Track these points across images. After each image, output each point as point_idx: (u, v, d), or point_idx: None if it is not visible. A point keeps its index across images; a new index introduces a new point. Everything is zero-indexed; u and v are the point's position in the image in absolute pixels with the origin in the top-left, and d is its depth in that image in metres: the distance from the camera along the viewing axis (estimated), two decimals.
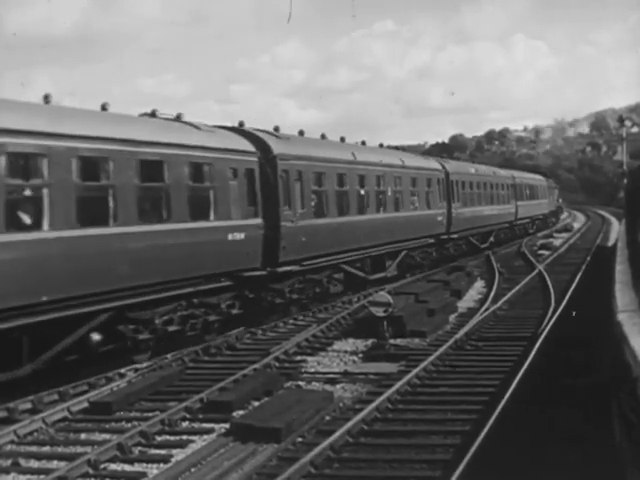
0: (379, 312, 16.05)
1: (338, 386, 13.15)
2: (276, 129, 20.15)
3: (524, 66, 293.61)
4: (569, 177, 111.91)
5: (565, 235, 52.49)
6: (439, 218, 30.24)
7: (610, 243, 37.60)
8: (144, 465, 9.54)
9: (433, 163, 31.92)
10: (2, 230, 11.34)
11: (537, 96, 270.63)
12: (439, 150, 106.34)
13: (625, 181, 36.43)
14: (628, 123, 55.53)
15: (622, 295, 11.07)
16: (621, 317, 9.08)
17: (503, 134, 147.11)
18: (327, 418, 11.09)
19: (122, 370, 14.08)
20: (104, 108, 14.87)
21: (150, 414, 11.52)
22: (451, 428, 10.45)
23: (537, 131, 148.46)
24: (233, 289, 17.02)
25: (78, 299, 12.66)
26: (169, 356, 15.21)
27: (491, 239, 39.15)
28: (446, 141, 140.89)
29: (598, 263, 28.19)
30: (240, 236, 16.94)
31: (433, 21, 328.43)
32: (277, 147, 18.81)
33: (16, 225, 11.88)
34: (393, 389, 11.99)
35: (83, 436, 10.86)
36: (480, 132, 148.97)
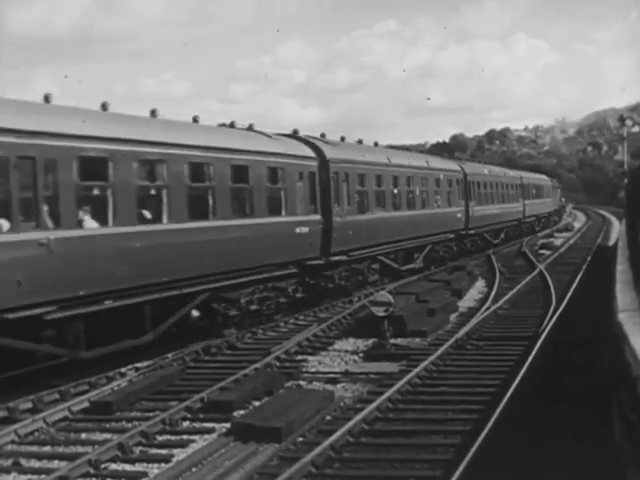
0: (380, 312, 16.06)
1: (339, 386, 13.15)
2: (322, 135, 23.07)
3: (525, 65, 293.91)
4: (570, 177, 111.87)
5: (566, 235, 52.52)
6: (458, 215, 33.18)
7: (611, 243, 37.61)
8: (145, 465, 9.54)
9: (453, 165, 35.05)
10: (136, 222, 14.11)
11: (538, 95, 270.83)
12: (440, 150, 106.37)
13: (626, 181, 36.41)
14: (629, 123, 55.47)
15: (623, 295, 11.07)
16: (622, 317, 9.08)
17: (504, 134, 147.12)
18: (328, 418, 11.09)
19: (122, 369, 14.09)
20: (195, 120, 17.92)
21: (151, 414, 11.53)
22: (452, 428, 10.45)
23: (538, 130, 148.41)
24: (297, 276, 19.69)
25: (185, 280, 15.21)
26: (170, 356, 15.23)
27: (502, 235, 41.78)
28: (447, 141, 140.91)
29: (599, 263, 28.19)
30: (305, 230, 19.84)
31: (434, 21, 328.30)
32: (329, 152, 21.69)
33: (142, 219, 14.52)
34: (394, 389, 11.99)
35: (84, 436, 10.86)
36: (481, 132, 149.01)
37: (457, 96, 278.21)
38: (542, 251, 38.95)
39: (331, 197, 21.15)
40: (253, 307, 17.76)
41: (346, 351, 16.00)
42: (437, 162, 33.28)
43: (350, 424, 10.22)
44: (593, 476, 8.13)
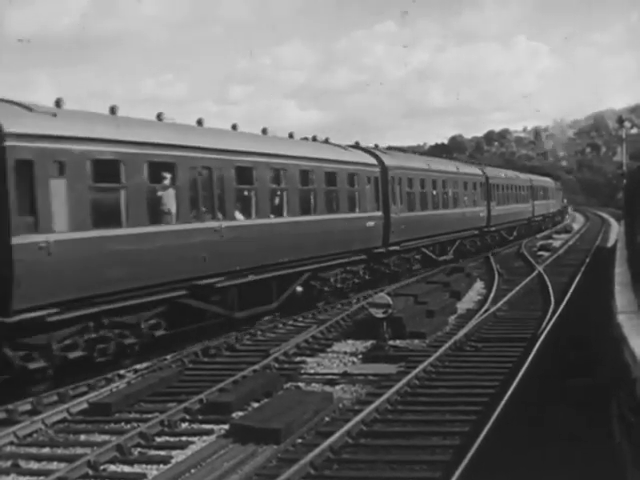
0: (378, 313, 16.05)
1: (338, 387, 13.15)
2: (376, 146, 27.44)
3: (525, 67, 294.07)
4: (568, 178, 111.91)
5: (564, 236, 52.55)
6: (482, 214, 37.83)
7: (609, 244, 37.62)
8: (144, 466, 9.54)
9: (477, 169, 39.64)
10: (269, 216, 18.64)
11: (537, 97, 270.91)
12: (439, 151, 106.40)
13: (624, 182, 36.46)
14: (627, 124, 55.45)
15: (621, 296, 11.07)
16: (620, 318, 9.08)
17: (503, 135, 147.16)
18: (326, 419, 11.09)
19: (121, 371, 14.09)
20: (291, 136, 22.56)
21: (150, 415, 11.52)
22: (450, 429, 10.46)
23: (537, 132, 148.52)
24: (365, 261, 23.94)
25: (297, 262, 19.51)
26: (168, 357, 15.22)
27: (515, 233, 45.64)
28: (446, 142, 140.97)
29: (597, 264, 28.20)
30: (372, 224, 24.29)
31: (434, 22, 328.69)
32: (387, 160, 26.20)
33: (273, 213, 18.86)
34: (392, 390, 11.99)
35: (83, 437, 10.86)
36: (480, 133, 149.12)
37: (456, 97, 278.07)
38: (541, 252, 38.97)
39: (389, 197, 25.59)
40: (339, 285, 22.14)
41: (345, 353, 16.00)
42: (465, 167, 38.04)
43: (349, 425, 10.23)
44: (592, 477, 8.14)
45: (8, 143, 11.66)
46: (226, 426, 10.78)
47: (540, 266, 30.48)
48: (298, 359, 15.52)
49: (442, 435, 10.25)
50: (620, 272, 14.59)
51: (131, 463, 9.65)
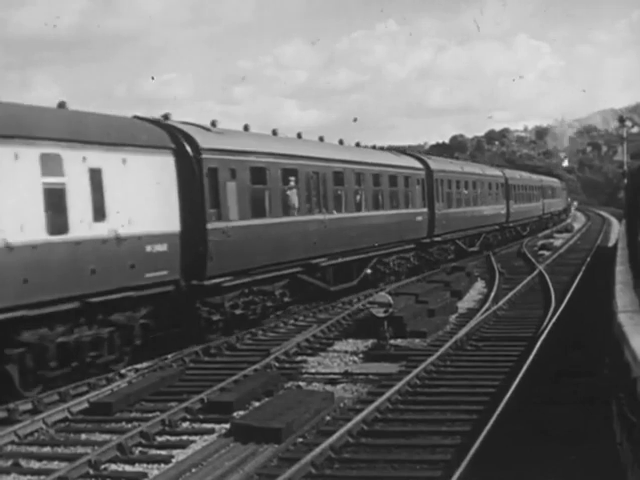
0: (379, 312, 16.06)
1: (339, 386, 13.15)
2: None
3: (526, 66, 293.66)
4: (569, 177, 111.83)
5: (565, 235, 52.55)
6: (502, 211, 42.07)
7: (610, 243, 37.62)
8: (145, 465, 9.54)
9: (497, 171, 44.39)
10: (354, 210, 23.15)
11: (538, 96, 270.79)
12: (440, 150, 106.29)
13: (625, 181, 36.44)
14: (628, 123, 55.43)
15: (622, 295, 11.08)
16: (621, 317, 9.09)
17: (503, 134, 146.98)
18: (327, 418, 11.09)
19: (122, 370, 14.09)
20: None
21: (150, 414, 11.53)
22: (451, 428, 10.45)
23: (537, 131, 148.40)
24: (414, 250, 28.34)
25: (368, 248, 23.90)
26: (169, 356, 15.23)
27: (528, 229, 49.97)
28: (447, 141, 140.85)
29: (598, 264, 28.19)
30: (420, 218, 28.85)
31: (435, 21, 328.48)
32: (432, 164, 30.97)
33: (340, 209, 22.39)
34: (393, 389, 11.99)
35: (83, 436, 10.87)
36: (481, 132, 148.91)
37: (457, 97, 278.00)
38: (542, 252, 38.97)
39: (434, 196, 30.06)
40: (396, 269, 26.53)
41: (346, 352, 16.00)
42: (488, 169, 42.97)
43: (350, 425, 10.22)
44: (593, 477, 8.13)
45: (203, 156, 15.91)
46: (227, 425, 10.78)
47: (541, 265, 30.47)
48: (299, 358, 15.52)
49: (443, 434, 10.24)
50: (621, 271, 14.60)
51: (132, 462, 9.65)
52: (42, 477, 9.09)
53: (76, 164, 13.11)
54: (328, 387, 13.11)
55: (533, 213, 51.77)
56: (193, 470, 9.25)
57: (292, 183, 19.55)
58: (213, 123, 17.85)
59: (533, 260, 33.27)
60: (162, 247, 14.81)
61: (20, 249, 11.78)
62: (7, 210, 11.70)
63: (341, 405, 11.81)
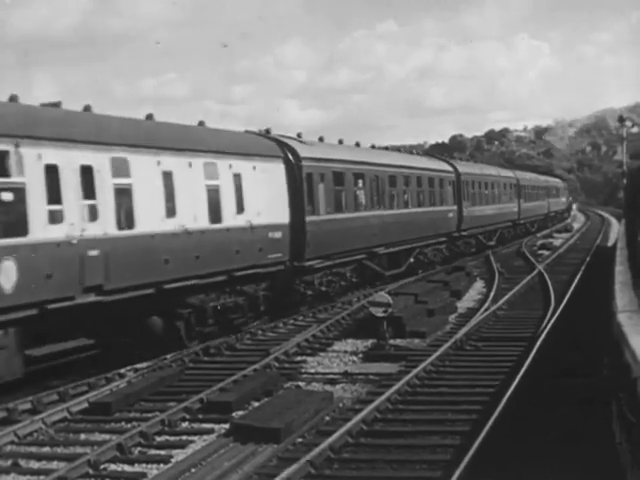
0: (379, 312, 16.05)
1: (338, 386, 13.16)
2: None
3: (526, 66, 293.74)
4: (569, 177, 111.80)
5: (565, 235, 52.56)
6: (514, 209, 46.14)
7: (610, 243, 37.61)
8: (144, 465, 9.54)
9: (510, 173, 49.19)
10: (402, 207, 27.32)
11: (537, 96, 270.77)
12: (439, 150, 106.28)
13: (625, 181, 36.43)
14: (628, 123, 55.30)
15: (622, 295, 11.07)
16: (621, 317, 9.08)
17: (503, 134, 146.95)
18: (327, 418, 11.09)
19: (122, 370, 14.09)
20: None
21: (150, 414, 11.52)
22: (451, 428, 10.45)
23: (537, 131, 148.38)
24: (445, 242, 32.65)
25: (412, 240, 27.95)
26: (169, 356, 15.22)
27: (535, 225, 54.47)
28: (446, 141, 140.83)
29: (598, 263, 28.19)
30: (451, 215, 33.35)
31: (435, 21, 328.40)
32: (460, 167, 36.07)
33: (392, 206, 26.55)
34: (393, 389, 11.99)
35: (83, 436, 10.86)
36: (480, 132, 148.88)
37: (457, 96, 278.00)
38: (541, 251, 38.97)
39: (462, 196, 34.62)
40: (432, 258, 30.54)
41: (345, 352, 16.00)
42: (502, 171, 47.86)
43: (349, 425, 10.22)
44: (593, 477, 8.13)
45: (303, 163, 20.16)
46: (226, 425, 10.78)
47: (540, 265, 30.47)
48: (298, 358, 15.52)
49: (442, 434, 10.24)
50: (620, 271, 14.59)
51: (131, 462, 9.65)
52: (41, 477, 9.09)
53: (225, 170, 17.33)
54: (327, 387, 13.12)
55: (540, 211, 56.01)
56: (192, 470, 9.25)
57: (360, 184, 24.21)
58: (299, 135, 22.05)
59: (532, 260, 33.28)
60: (278, 234, 19.17)
61: (194, 234, 16.00)
62: (186, 205, 15.91)
63: (340, 405, 11.81)
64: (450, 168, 34.63)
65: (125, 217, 14.48)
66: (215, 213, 16.88)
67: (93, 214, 13.65)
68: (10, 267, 11.94)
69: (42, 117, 13.53)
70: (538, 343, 14.82)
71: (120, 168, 14.32)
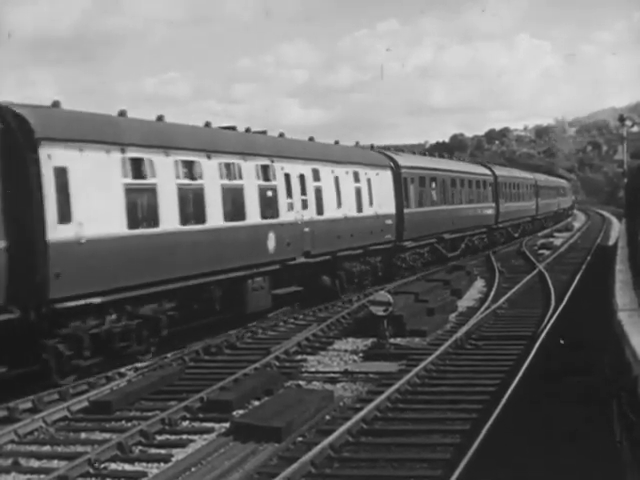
0: (379, 311, 16.05)
1: (338, 385, 13.16)
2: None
3: (527, 65, 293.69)
4: (569, 177, 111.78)
5: (566, 234, 52.55)
6: (532, 207, 53.21)
7: (610, 242, 37.59)
8: (144, 464, 9.54)
9: (529, 175, 56.57)
10: (451, 203, 33.61)
11: (538, 95, 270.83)
12: (440, 149, 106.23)
13: (625, 181, 36.41)
14: (629, 122, 55.26)
15: (622, 294, 11.06)
16: (621, 316, 9.07)
17: (503, 133, 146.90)
18: (327, 417, 11.09)
19: (122, 369, 14.08)
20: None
21: (150, 413, 11.52)
22: (451, 427, 10.45)
23: (537, 130, 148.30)
24: (485, 233, 39.72)
25: (464, 229, 35.11)
26: (169, 355, 15.22)
27: (548, 220, 61.63)
28: (447, 140, 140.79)
29: (598, 262, 28.18)
30: (490, 211, 40.56)
31: (437, 20, 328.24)
32: (497, 171, 43.57)
33: (452, 202, 33.61)
34: (393, 388, 11.99)
35: (83, 435, 10.86)
36: (481, 131, 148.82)
37: (458, 96, 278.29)
38: (542, 251, 38.96)
39: (498, 196, 41.65)
40: (478, 245, 37.96)
41: (345, 351, 16.00)
42: (522, 173, 55.30)
43: (349, 424, 10.22)
44: (593, 476, 8.13)
45: (402, 170, 27.32)
46: (227, 424, 10.77)
47: (541, 264, 30.47)
48: (299, 357, 15.52)
49: (443, 433, 10.24)
50: (621, 270, 14.58)
51: (132, 461, 9.64)
52: (42, 476, 9.09)
53: (363, 176, 24.58)
54: (328, 386, 13.11)
55: (552, 208, 63.86)
56: (193, 469, 9.24)
57: (433, 186, 31.21)
58: (399, 149, 32.59)
59: (533, 259, 33.28)
60: (390, 221, 26.26)
61: (351, 219, 23.28)
62: (345, 200, 23.19)
63: (341, 404, 11.81)
64: (489, 172, 42.05)
65: (319, 207, 21.50)
66: (359, 206, 24.15)
67: (305, 205, 20.70)
68: (271, 236, 18.88)
69: (282, 144, 21.16)
70: (538, 342, 14.82)
71: (315, 176, 21.49)
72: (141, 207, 14.88)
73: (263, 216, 18.63)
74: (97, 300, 13.37)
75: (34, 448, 10.35)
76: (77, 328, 13.21)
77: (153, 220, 14.97)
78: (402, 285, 24.73)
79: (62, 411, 11.68)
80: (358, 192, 24.13)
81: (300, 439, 10.11)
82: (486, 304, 20.99)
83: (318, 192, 21.54)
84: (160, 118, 16.62)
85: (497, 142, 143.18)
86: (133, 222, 14.41)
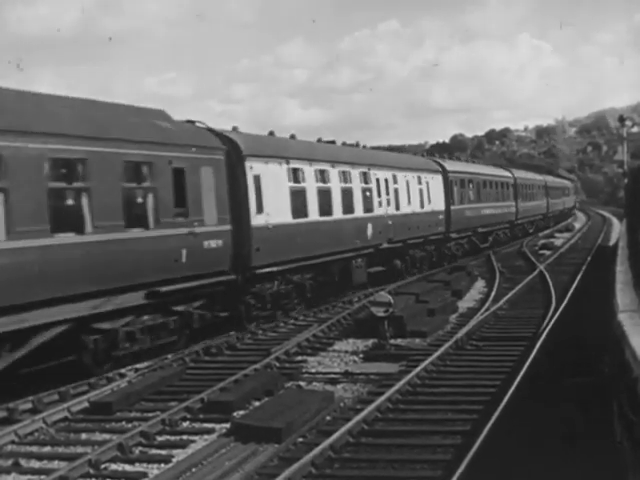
0: (379, 312, 16.05)
1: (339, 386, 13.15)
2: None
3: (527, 66, 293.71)
4: (570, 177, 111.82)
5: (566, 235, 52.56)
6: (543, 205, 59.32)
7: (611, 243, 37.58)
8: (145, 465, 9.54)
9: (540, 177, 62.22)
10: (483, 201, 39.41)
11: (538, 96, 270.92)
12: (440, 150, 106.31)
13: (626, 181, 36.40)
14: (629, 123, 55.23)
15: (623, 295, 11.05)
16: (622, 317, 9.07)
17: (504, 134, 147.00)
18: (328, 418, 11.09)
19: (122, 370, 14.09)
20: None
21: (151, 414, 11.52)
22: (452, 428, 10.45)
23: (538, 131, 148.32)
24: (508, 228, 44.90)
25: (493, 224, 41.64)
26: (170, 356, 15.22)
27: (556, 218, 67.45)
28: (447, 141, 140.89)
29: (599, 263, 28.16)
30: (512, 209, 46.02)
31: (437, 21, 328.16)
32: (516, 174, 49.56)
33: (484, 201, 39.93)
34: (394, 389, 11.98)
35: (84, 436, 10.86)
36: (481, 132, 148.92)
37: (458, 96, 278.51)
38: (542, 251, 38.96)
39: (517, 195, 47.16)
40: (502, 238, 43.01)
41: (346, 352, 16.00)
42: (537, 176, 61.40)
43: (350, 424, 10.22)
44: (593, 477, 8.12)
45: (449, 174, 32.97)
46: (227, 425, 10.78)
47: (541, 265, 30.46)
48: (299, 358, 15.52)
49: (443, 434, 10.24)
50: (621, 271, 14.57)
51: (132, 462, 9.65)
52: (42, 477, 9.09)
53: (424, 180, 30.28)
54: (328, 387, 13.11)
55: (559, 207, 70.02)
56: (193, 470, 9.25)
57: (470, 187, 36.56)
58: (453, 156, 39.85)
59: (533, 259, 33.27)
60: (441, 216, 31.93)
61: (418, 214, 29.02)
62: (414, 199, 29.09)
63: (341, 405, 11.81)
64: (510, 175, 47.71)
65: (396, 204, 27.07)
66: (422, 203, 29.79)
67: (388, 202, 26.33)
68: (370, 226, 24.35)
69: (374, 155, 28.32)
70: (539, 343, 14.82)
71: (394, 180, 27.18)
72: (298, 203, 20.10)
73: (364, 211, 24.28)
74: (275, 269, 18.65)
75: (34, 449, 10.35)
76: (261, 288, 18.45)
77: (304, 213, 20.41)
78: (403, 286, 24.72)
79: (62, 412, 11.68)
80: (421, 192, 29.89)
81: (300, 440, 10.10)
82: (486, 305, 20.98)
83: (396, 192, 27.21)
84: (292, 137, 25.64)
85: (497, 142, 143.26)
86: (295, 214, 19.87)
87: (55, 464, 9.59)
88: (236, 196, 17.52)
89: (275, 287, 18.95)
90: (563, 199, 73.54)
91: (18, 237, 11.70)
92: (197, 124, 17.93)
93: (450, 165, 34.78)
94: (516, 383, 11.86)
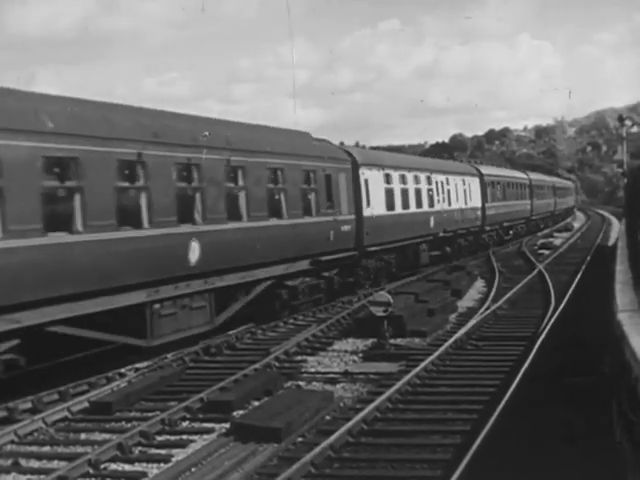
0: (379, 312, 16.05)
1: (338, 386, 13.15)
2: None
3: (528, 66, 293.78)
4: (569, 177, 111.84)
5: (565, 235, 52.58)
6: (551, 203, 64.10)
7: (610, 243, 37.59)
8: (144, 465, 9.54)
9: (549, 178, 69.52)
10: (511, 199, 47.44)
11: (538, 96, 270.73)
12: (439, 150, 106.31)
13: (625, 181, 36.41)
14: (628, 122, 55.26)
15: (622, 295, 11.05)
16: (621, 317, 9.07)
17: (503, 134, 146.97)
18: (327, 418, 11.09)
19: (122, 370, 14.09)
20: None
21: (150, 414, 11.52)
22: (451, 428, 10.45)
23: (537, 131, 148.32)
24: (524, 223, 50.73)
25: (512, 220, 47.53)
26: (169, 356, 15.22)
27: (562, 215, 73.46)
28: (447, 141, 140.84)
29: (598, 263, 28.17)
30: (527, 207, 52.14)
31: (438, 21, 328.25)
32: (531, 175, 57.06)
33: (513, 199, 47.76)
34: (393, 389, 11.98)
35: (83, 436, 10.86)
36: (481, 132, 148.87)
37: (459, 96, 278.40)
38: (541, 251, 38.97)
39: (532, 194, 52.91)
40: (520, 232, 48.19)
41: (345, 351, 15.99)
42: (547, 177, 68.80)
43: (349, 424, 10.22)
44: (593, 477, 8.12)
45: (484, 177, 39.99)
46: (227, 425, 10.78)
47: (541, 264, 30.46)
48: (299, 358, 15.52)
49: (443, 434, 10.24)
50: (621, 270, 14.57)
51: (132, 462, 9.65)
52: (42, 476, 9.10)
53: (467, 182, 36.38)
54: (328, 386, 13.11)
55: (564, 205, 75.13)
56: (193, 469, 9.25)
57: (498, 187, 41.73)
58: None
59: (533, 259, 33.28)
60: (479, 212, 37.95)
61: (463, 210, 35.34)
62: (459, 198, 35.01)
63: (341, 404, 11.81)
64: (526, 176, 53.78)
65: (448, 202, 32.91)
66: (465, 201, 35.48)
67: (443, 200, 31.99)
68: (432, 219, 30.31)
69: (433, 162, 36.26)
70: (538, 342, 14.82)
71: (447, 182, 32.99)
72: (389, 199, 26.20)
73: (428, 206, 30.35)
74: (376, 248, 24.67)
75: (34, 449, 10.35)
76: (367, 262, 24.43)
77: (392, 207, 26.43)
78: (402, 285, 24.72)
79: (62, 412, 11.68)
80: (465, 192, 35.77)
81: (300, 439, 10.11)
82: (486, 304, 20.99)
83: (448, 192, 33.12)
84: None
85: (497, 142, 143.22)
86: (388, 207, 25.94)
87: (55, 464, 9.60)
88: (354, 194, 23.66)
89: (374, 262, 24.90)
90: (567, 198, 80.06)
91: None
92: (326, 141, 24.09)
93: (485, 169, 42.31)
94: (516, 383, 11.86)
